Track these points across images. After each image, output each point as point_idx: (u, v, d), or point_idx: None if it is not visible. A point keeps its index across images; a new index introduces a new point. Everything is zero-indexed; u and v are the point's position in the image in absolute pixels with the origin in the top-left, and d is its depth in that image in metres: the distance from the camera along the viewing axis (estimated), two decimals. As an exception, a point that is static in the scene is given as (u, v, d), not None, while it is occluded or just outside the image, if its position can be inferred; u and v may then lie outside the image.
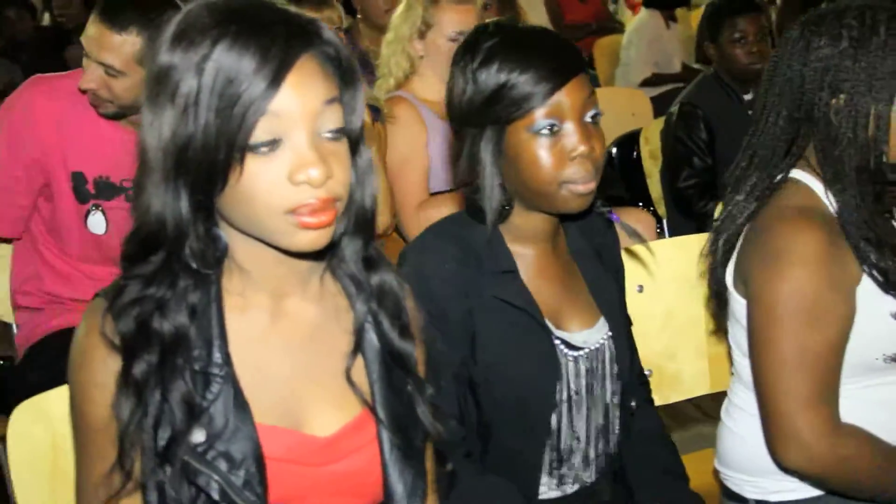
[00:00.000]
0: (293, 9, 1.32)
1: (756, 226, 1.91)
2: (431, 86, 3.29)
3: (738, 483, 2.04)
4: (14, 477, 1.69)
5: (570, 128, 1.69)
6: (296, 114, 1.27)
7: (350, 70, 1.34)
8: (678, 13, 6.77)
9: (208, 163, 1.26)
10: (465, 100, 1.72)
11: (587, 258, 1.92)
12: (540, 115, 1.68)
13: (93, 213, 2.72)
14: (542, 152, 1.69)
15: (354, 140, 1.36)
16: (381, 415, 1.43)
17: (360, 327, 1.45)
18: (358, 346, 1.45)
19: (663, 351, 2.43)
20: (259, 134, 1.25)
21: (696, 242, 2.45)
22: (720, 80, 3.98)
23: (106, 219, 2.73)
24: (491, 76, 1.69)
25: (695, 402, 3.04)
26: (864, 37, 1.78)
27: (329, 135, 1.30)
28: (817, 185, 1.88)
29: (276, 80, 1.25)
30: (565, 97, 1.68)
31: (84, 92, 2.59)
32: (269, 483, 1.34)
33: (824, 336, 1.78)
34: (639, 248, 2.31)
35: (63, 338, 2.68)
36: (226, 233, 1.36)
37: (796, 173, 1.91)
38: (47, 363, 2.64)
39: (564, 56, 1.72)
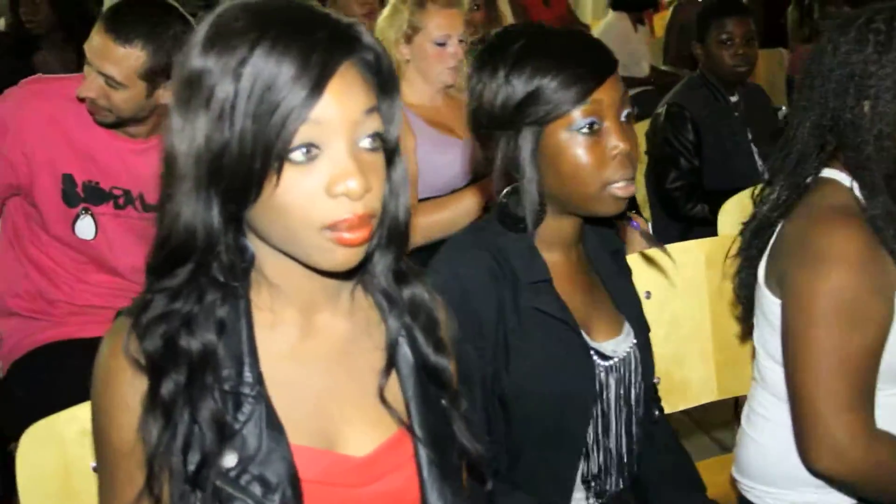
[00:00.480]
0: (333, 12, 1.26)
1: (791, 224, 1.89)
2: (418, 90, 3.24)
3: (759, 495, 2.01)
4: (23, 501, 1.62)
5: (609, 126, 1.66)
6: (336, 123, 1.21)
7: (389, 78, 1.29)
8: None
9: (243, 172, 1.20)
10: (499, 104, 1.67)
11: (606, 264, 1.89)
12: (579, 114, 1.65)
13: (82, 217, 2.63)
14: (583, 152, 1.66)
15: (391, 151, 1.31)
16: (419, 432, 1.38)
17: (393, 343, 1.40)
18: (391, 363, 1.39)
19: (671, 358, 2.40)
20: (297, 143, 1.20)
21: (702, 247, 2.44)
22: (707, 81, 3.96)
23: (95, 224, 2.65)
24: (525, 78, 1.65)
25: (684, 412, 3.02)
26: (891, 40, 1.74)
27: (367, 145, 1.25)
28: (853, 184, 1.84)
29: (317, 88, 1.19)
30: (603, 95, 1.65)
31: (82, 99, 2.52)
32: None
33: (863, 338, 1.75)
34: (656, 254, 2.27)
35: (51, 352, 2.63)
36: (253, 245, 1.31)
37: (830, 172, 1.88)
38: (35, 379, 2.57)
39: (599, 54, 1.70)
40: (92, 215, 2.64)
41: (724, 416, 3.61)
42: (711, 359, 2.43)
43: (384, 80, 1.28)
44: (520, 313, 1.71)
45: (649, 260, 2.24)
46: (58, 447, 1.64)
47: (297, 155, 1.20)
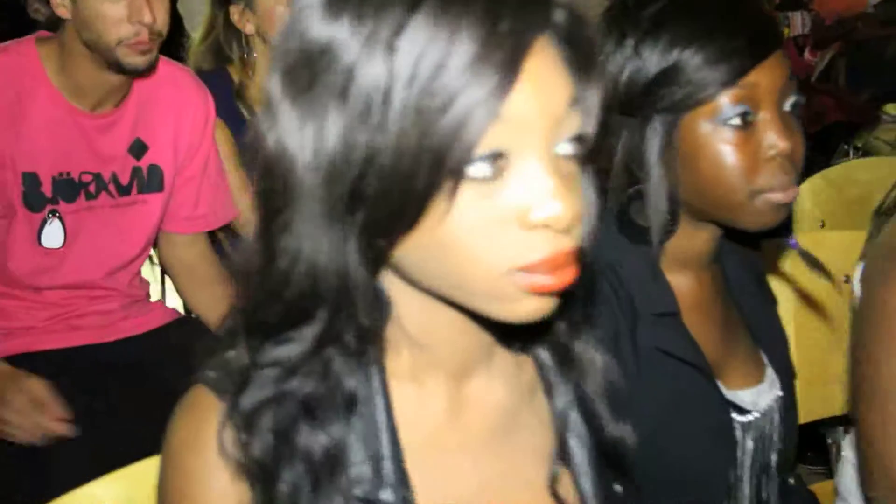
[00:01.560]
0: None
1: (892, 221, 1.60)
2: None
3: None
4: None
5: (765, 118, 1.29)
6: (533, 121, 0.83)
7: (590, 56, 0.89)
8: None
9: (400, 193, 0.81)
10: (624, 82, 1.31)
11: (747, 291, 1.51)
12: (727, 102, 1.28)
13: (49, 222, 2.20)
14: (730, 150, 1.29)
15: (583, 158, 0.92)
16: None
17: (564, 415, 1.03)
18: (563, 443, 1.03)
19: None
20: (482, 151, 0.81)
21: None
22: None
23: (64, 227, 2.22)
24: (661, 50, 1.29)
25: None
26: None
27: (569, 152, 0.87)
28: None
29: (511, 71, 0.80)
30: (761, 78, 1.28)
31: (122, 45, 2.11)
32: None
33: None
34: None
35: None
36: (391, 290, 0.92)
37: None
38: None
39: (759, 25, 1.32)
40: (60, 217, 2.22)
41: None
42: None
43: (583, 57, 0.88)
44: (638, 353, 1.34)
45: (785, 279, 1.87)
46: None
47: (479, 168, 0.82)
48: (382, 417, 0.93)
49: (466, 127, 0.79)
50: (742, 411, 1.42)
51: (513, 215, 0.83)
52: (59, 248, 2.24)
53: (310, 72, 0.83)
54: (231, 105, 2.63)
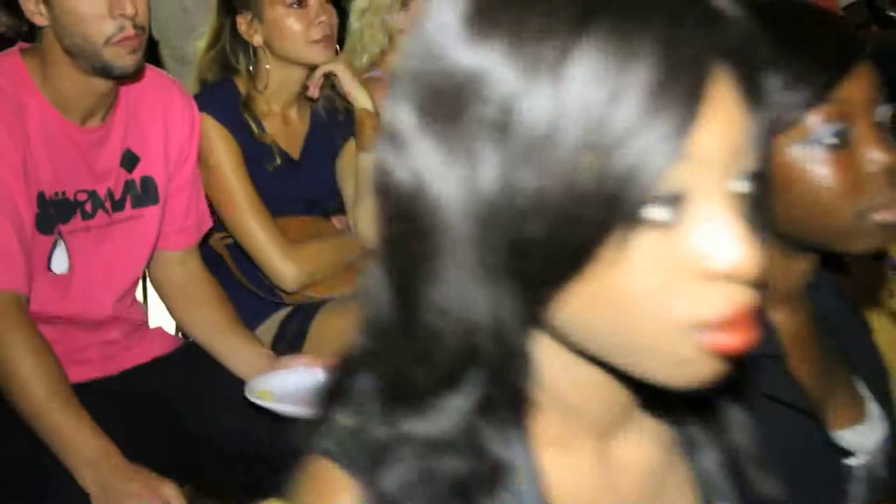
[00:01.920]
0: None
1: None
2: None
3: None
4: None
5: (861, 133, 1.18)
6: (715, 159, 0.71)
7: (763, 80, 0.77)
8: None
9: (568, 239, 0.70)
10: None
11: (842, 321, 1.40)
12: (818, 121, 1.16)
13: (58, 245, 2.05)
14: (828, 172, 1.18)
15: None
16: None
17: (710, 477, 0.93)
18: None
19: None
20: (662, 192, 0.69)
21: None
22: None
23: (67, 250, 2.08)
24: None
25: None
26: None
27: (745, 190, 0.75)
28: None
29: (694, 103, 0.69)
30: (851, 90, 1.17)
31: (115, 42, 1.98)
32: None
33: None
34: None
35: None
36: (539, 348, 0.80)
37: None
38: None
39: (838, 34, 1.21)
40: (64, 240, 2.08)
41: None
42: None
43: (757, 82, 0.76)
44: None
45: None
46: None
47: (656, 211, 0.70)
48: (533, 490, 0.82)
49: (645, 167, 0.68)
50: (847, 454, 1.31)
51: (692, 264, 0.71)
52: (65, 274, 2.10)
53: (455, 102, 0.71)
54: (238, 116, 2.51)
